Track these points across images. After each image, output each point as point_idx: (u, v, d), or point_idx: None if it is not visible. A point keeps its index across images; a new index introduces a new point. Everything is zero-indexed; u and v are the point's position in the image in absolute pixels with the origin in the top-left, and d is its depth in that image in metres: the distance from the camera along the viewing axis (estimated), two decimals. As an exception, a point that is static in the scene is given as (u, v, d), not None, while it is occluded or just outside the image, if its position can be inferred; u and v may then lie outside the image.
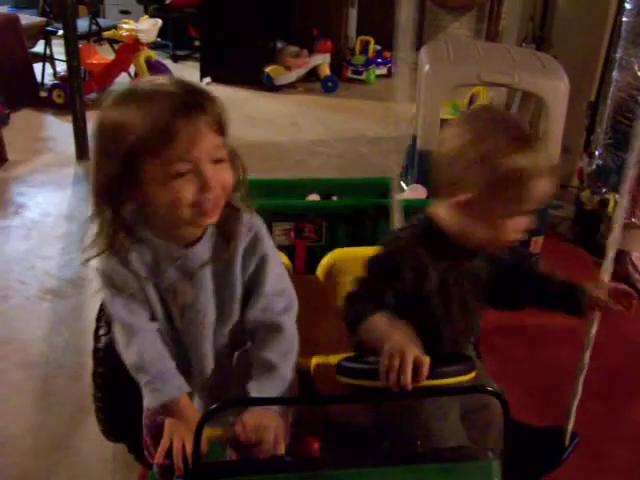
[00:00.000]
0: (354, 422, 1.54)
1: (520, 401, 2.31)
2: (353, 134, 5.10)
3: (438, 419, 1.46)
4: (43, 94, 5.37)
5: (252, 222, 1.38)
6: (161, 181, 1.21)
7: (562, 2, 4.30)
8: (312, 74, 6.17)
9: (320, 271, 1.87)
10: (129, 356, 1.36)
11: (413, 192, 2.53)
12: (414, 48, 1.93)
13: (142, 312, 1.37)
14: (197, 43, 6.67)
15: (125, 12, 7.08)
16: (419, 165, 2.90)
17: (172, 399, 1.33)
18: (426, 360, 1.17)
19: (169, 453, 1.28)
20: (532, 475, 1.58)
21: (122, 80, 5.55)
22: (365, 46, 6.41)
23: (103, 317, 1.98)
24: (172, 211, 1.24)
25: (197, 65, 6.22)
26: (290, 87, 6.07)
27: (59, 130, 4.88)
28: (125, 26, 5.32)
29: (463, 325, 1.52)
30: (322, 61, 6.11)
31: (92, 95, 5.32)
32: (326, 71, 6.12)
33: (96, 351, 1.94)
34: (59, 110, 5.13)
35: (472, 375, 1.29)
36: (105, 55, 5.64)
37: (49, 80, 5.58)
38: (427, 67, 2.97)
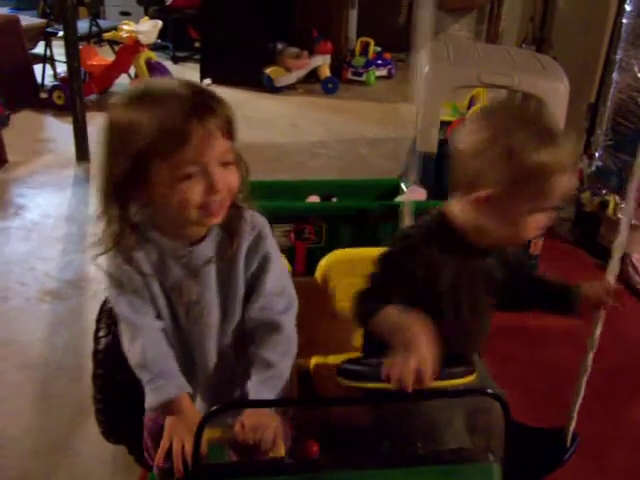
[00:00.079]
0: (354, 423, 1.54)
1: (520, 402, 2.31)
2: (353, 135, 5.10)
3: (442, 425, 1.46)
4: (43, 95, 5.37)
5: (255, 221, 1.40)
6: (169, 182, 1.23)
7: (562, 3, 4.31)
8: (312, 75, 6.17)
9: (319, 272, 1.87)
10: (133, 354, 1.37)
11: (413, 194, 2.53)
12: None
13: (147, 311, 1.38)
14: (197, 44, 6.68)
15: (125, 13, 7.08)
16: (419, 166, 2.90)
17: (173, 398, 1.33)
18: (428, 367, 1.16)
19: (169, 454, 1.28)
20: (533, 476, 1.57)
21: (122, 81, 5.55)
22: (365, 47, 6.41)
23: (103, 319, 1.98)
24: (179, 212, 1.26)
25: (197, 66, 6.22)
26: (290, 88, 6.07)
27: (59, 131, 4.89)
28: (125, 27, 5.32)
29: (472, 326, 1.52)
30: (322, 62, 6.11)
31: (92, 96, 5.33)
32: (326, 72, 6.12)
33: (96, 353, 1.93)
34: (59, 111, 5.13)
35: (471, 378, 1.29)
36: (105, 56, 5.64)
37: (49, 81, 5.58)
38: (427, 68, 2.98)
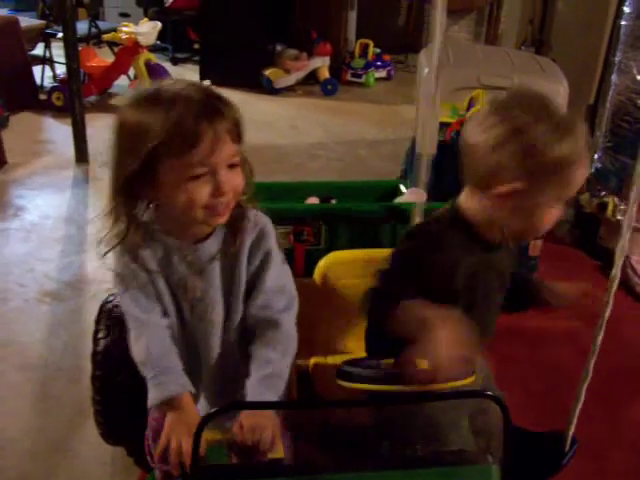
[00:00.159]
0: (354, 424, 1.54)
1: (520, 402, 2.31)
2: (352, 137, 5.10)
3: (447, 426, 1.46)
4: (42, 97, 5.37)
5: (258, 220, 1.43)
6: (177, 182, 1.26)
7: (561, 6, 4.31)
8: (311, 77, 6.17)
9: (317, 274, 1.87)
10: (137, 351, 1.38)
11: (412, 195, 2.53)
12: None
13: (153, 308, 1.40)
14: (196, 46, 6.69)
15: (125, 15, 7.08)
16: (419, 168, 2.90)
17: (175, 395, 1.33)
18: (442, 370, 1.17)
19: (167, 454, 1.28)
20: (532, 480, 1.57)
21: (121, 83, 5.56)
22: (364, 49, 6.41)
23: (102, 320, 1.98)
24: (185, 211, 1.29)
25: (196, 68, 6.23)
26: (289, 90, 6.07)
27: (58, 133, 4.88)
28: (125, 29, 5.32)
29: (483, 324, 1.51)
30: (321, 64, 6.12)
31: (91, 98, 5.34)
32: (325, 74, 6.13)
33: (95, 354, 1.94)
34: (58, 113, 5.13)
35: (471, 379, 1.29)
36: (105, 58, 5.64)
37: (48, 83, 5.58)
38: (426, 70, 2.98)
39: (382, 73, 6.50)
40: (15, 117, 5.00)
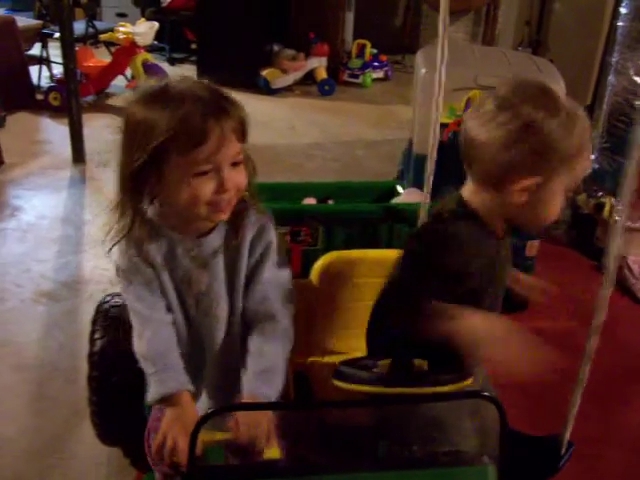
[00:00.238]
0: (351, 425, 1.54)
1: (517, 404, 2.31)
2: (349, 138, 5.10)
3: (449, 428, 1.46)
4: (39, 97, 5.36)
5: (260, 214, 1.46)
6: (183, 178, 1.29)
7: (558, 7, 4.32)
8: (309, 77, 6.17)
9: (314, 274, 1.87)
10: (140, 346, 1.40)
11: (409, 196, 2.53)
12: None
13: (157, 304, 1.42)
14: (194, 46, 6.68)
15: (122, 15, 7.07)
16: (415, 169, 2.90)
17: (174, 392, 1.34)
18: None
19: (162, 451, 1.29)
20: (527, 482, 1.57)
21: (118, 83, 5.55)
22: (362, 50, 6.41)
23: (99, 321, 1.99)
24: (189, 207, 1.32)
25: (194, 68, 6.22)
26: (287, 90, 6.07)
27: (55, 133, 4.87)
28: (122, 29, 5.32)
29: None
30: (319, 64, 6.12)
31: (88, 98, 5.33)
32: (323, 74, 6.12)
33: (91, 355, 1.94)
34: (55, 113, 5.12)
35: (469, 382, 1.29)
36: (102, 58, 5.63)
37: (45, 83, 5.57)
38: (424, 71, 2.98)
39: (379, 74, 6.50)
40: (12, 117, 4.99)
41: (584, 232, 3.49)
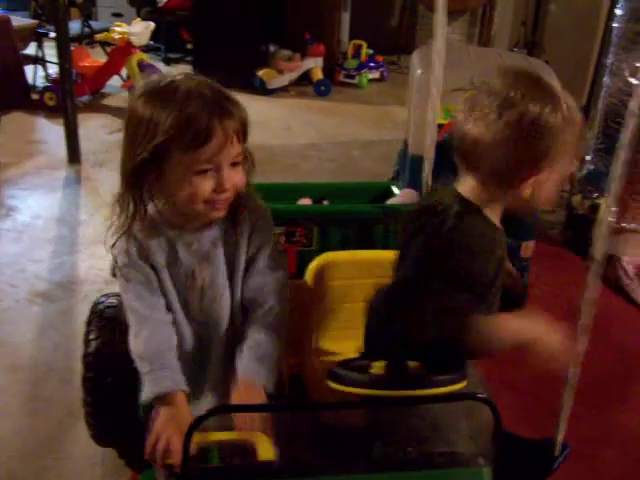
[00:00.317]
0: (346, 426, 1.54)
1: (511, 404, 2.32)
2: (345, 138, 5.10)
3: (445, 430, 1.46)
4: (35, 96, 5.35)
5: (256, 206, 1.49)
6: (183, 176, 1.31)
7: (554, 8, 4.33)
8: (305, 78, 6.17)
9: (309, 275, 1.86)
10: (136, 345, 1.40)
11: (405, 197, 2.53)
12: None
13: (157, 303, 1.43)
14: (189, 46, 6.68)
15: (117, 15, 7.05)
16: (411, 169, 2.90)
17: (169, 392, 1.35)
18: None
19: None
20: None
21: (114, 83, 5.54)
22: (357, 50, 6.41)
23: (93, 321, 1.98)
24: (187, 204, 1.35)
25: (189, 68, 6.21)
26: (282, 91, 6.07)
27: (51, 133, 4.86)
28: (117, 29, 5.30)
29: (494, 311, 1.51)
30: (314, 65, 6.11)
31: (84, 98, 5.32)
32: (318, 75, 6.12)
33: (86, 356, 1.94)
34: (51, 113, 5.11)
35: (464, 384, 1.29)
36: (97, 58, 5.62)
37: (41, 82, 5.56)
38: (419, 72, 2.98)
39: (375, 74, 6.50)
40: (7, 117, 4.97)
41: (579, 233, 3.49)
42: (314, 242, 2.20)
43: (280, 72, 6.02)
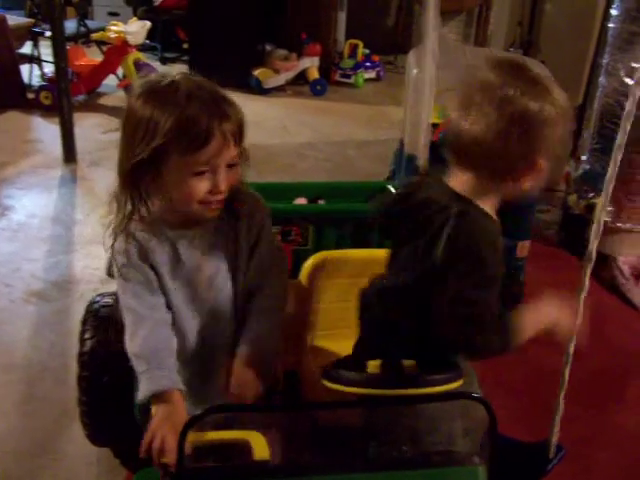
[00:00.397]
0: (341, 425, 1.53)
1: (506, 404, 2.32)
2: (341, 138, 5.10)
3: (441, 429, 1.46)
4: (30, 96, 5.33)
5: (251, 195, 1.52)
6: (180, 177, 1.33)
7: (550, 8, 4.33)
8: (301, 77, 6.16)
9: (304, 274, 1.87)
10: (132, 344, 1.41)
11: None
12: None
13: (156, 302, 1.44)
14: (186, 45, 6.67)
15: (114, 14, 7.04)
16: (407, 169, 2.90)
17: (166, 390, 1.35)
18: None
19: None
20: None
21: (110, 82, 5.53)
22: (354, 50, 6.41)
23: (89, 321, 1.98)
24: (183, 204, 1.37)
25: (186, 67, 6.19)
26: (279, 90, 6.06)
27: (46, 132, 4.85)
28: (113, 28, 5.29)
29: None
30: (311, 64, 6.11)
31: (80, 97, 5.31)
32: (315, 74, 6.12)
33: (81, 355, 1.93)
34: (46, 112, 5.09)
35: (459, 383, 1.29)
36: (93, 57, 5.60)
37: (36, 81, 5.55)
38: (415, 71, 2.98)
39: (371, 74, 6.50)
40: (2, 116, 4.97)
41: (575, 233, 3.49)
42: (310, 241, 2.21)
43: (276, 72, 6.01)
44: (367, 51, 6.46)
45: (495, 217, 1.41)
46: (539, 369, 2.56)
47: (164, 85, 1.33)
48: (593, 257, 1.45)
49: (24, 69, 5.53)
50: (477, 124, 1.32)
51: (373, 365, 1.35)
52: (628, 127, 1.38)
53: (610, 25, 3.32)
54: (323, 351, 1.92)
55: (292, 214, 2.22)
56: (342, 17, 6.63)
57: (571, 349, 1.52)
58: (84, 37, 5.73)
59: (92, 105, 5.38)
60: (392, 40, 7.05)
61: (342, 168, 4.52)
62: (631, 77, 3.06)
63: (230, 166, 1.36)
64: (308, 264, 1.87)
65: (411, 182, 1.62)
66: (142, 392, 1.35)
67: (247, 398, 1.39)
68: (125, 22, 5.47)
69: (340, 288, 1.89)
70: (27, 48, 5.63)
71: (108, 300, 2.00)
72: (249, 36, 5.96)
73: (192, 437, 1.18)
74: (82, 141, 4.43)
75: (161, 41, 6.68)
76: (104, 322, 1.93)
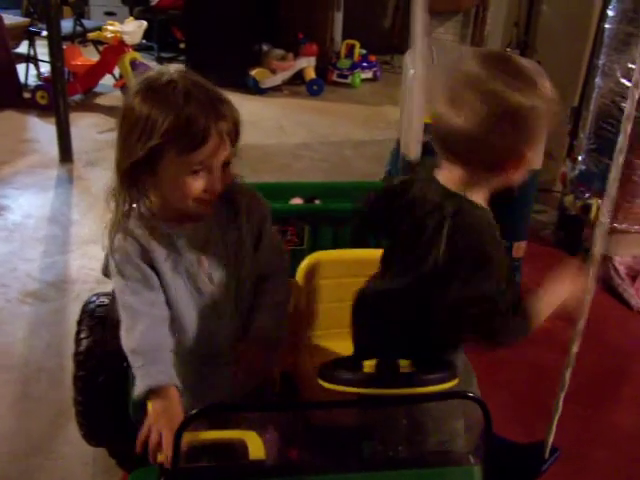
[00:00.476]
0: (337, 425, 1.54)
1: (504, 404, 2.32)
2: (338, 138, 5.10)
3: (441, 429, 1.46)
4: (27, 95, 5.33)
5: (247, 187, 1.52)
6: (176, 175, 1.33)
7: (546, 8, 4.33)
8: (297, 77, 6.16)
9: (300, 274, 1.87)
10: (129, 340, 1.41)
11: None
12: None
13: (155, 299, 1.44)
14: (182, 45, 6.66)
15: (110, 14, 7.03)
16: (403, 169, 2.90)
17: (162, 385, 1.35)
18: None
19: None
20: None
21: (106, 82, 5.52)
22: (351, 50, 6.42)
23: (84, 321, 1.98)
24: (177, 202, 1.38)
25: (182, 67, 6.19)
26: (275, 90, 6.07)
27: (42, 132, 4.84)
28: (110, 27, 5.28)
29: None
30: (307, 64, 6.11)
31: (76, 97, 5.31)
32: (311, 74, 6.12)
33: (77, 355, 1.93)
34: (43, 112, 5.09)
35: (455, 382, 1.29)
36: (90, 57, 5.60)
37: (33, 81, 5.54)
38: (412, 71, 2.98)
39: (368, 74, 6.50)
40: (-2, 116, 4.97)
41: (571, 233, 3.50)
42: (305, 241, 2.21)
43: (273, 72, 6.02)
44: (364, 51, 6.46)
45: (487, 207, 1.42)
46: (538, 369, 2.57)
47: (162, 83, 1.33)
48: (598, 259, 1.46)
49: (20, 69, 5.52)
50: (464, 117, 1.30)
51: (369, 365, 1.35)
52: (629, 129, 1.38)
53: (606, 26, 3.33)
54: (319, 351, 1.92)
55: (288, 214, 2.22)
56: (339, 17, 6.63)
57: (573, 351, 1.52)
58: (80, 37, 5.72)
59: (88, 105, 5.37)
60: (389, 40, 7.06)
61: (338, 168, 4.52)
62: (627, 78, 3.07)
63: (225, 164, 1.37)
64: (304, 264, 1.87)
65: (400, 179, 1.61)
66: (138, 387, 1.35)
67: (253, 385, 1.43)
68: (122, 22, 5.45)
69: (336, 288, 1.89)
70: (23, 48, 5.62)
71: (104, 300, 2.00)
72: (246, 36, 5.96)
73: (188, 436, 1.18)
74: (78, 141, 4.42)
75: (158, 41, 6.68)
76: (100, 322, 1.93)
